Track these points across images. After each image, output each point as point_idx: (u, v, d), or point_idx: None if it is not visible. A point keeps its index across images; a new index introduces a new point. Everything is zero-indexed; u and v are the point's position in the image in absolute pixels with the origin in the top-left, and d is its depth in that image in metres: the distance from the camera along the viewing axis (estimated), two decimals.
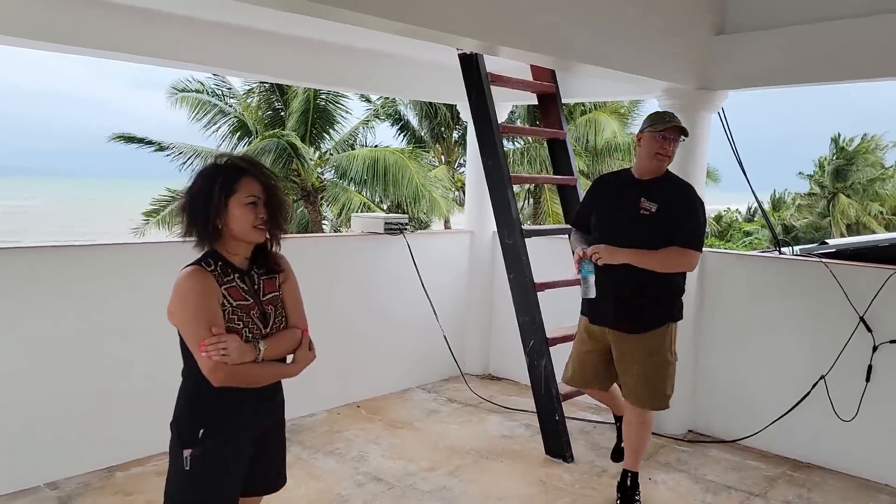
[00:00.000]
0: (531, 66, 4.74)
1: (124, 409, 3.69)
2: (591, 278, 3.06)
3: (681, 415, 4.34)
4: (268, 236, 2.03)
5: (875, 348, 3.60)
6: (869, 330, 3.62)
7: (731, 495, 3.54)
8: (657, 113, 3.18)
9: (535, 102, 4.96)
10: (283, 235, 2.08)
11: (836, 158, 24.81)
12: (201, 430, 1.93)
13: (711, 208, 22.45)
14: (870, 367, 3.62)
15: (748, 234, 23.40)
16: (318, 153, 15.82)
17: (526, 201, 17.33)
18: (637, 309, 3.14)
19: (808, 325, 3.92)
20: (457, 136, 17.33)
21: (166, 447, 2.04)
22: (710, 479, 3.72)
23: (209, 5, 3.66)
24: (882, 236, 13.33)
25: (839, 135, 25.10)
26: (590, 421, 4.58)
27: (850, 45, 3.63)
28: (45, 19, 3.39)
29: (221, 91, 15.11)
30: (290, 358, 2.08)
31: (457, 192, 17.11)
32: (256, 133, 14.97)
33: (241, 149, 15.12)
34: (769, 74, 4.02)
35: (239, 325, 1.93)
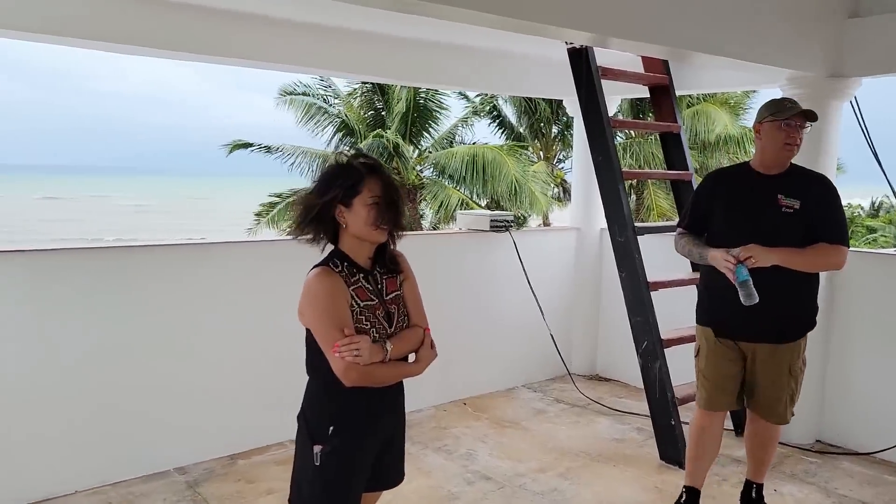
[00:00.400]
0: (642, 57, 4.59)
1: (247, 400, 3.87)
2: (751, 282, 2.69)
3: (808, 424, 4.08)
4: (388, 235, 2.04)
5: None
6: None
7: None
8: (776, 100, 2.90)
9: (647, 95, 4.80)
10: (401, 234, 2.08)
11: None
12: (331, 427, 1.97)
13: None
14: None
15: (872, 230, 21.71)
16: (417, 151, 16.04)
17: (628, 197, 16.83)
18: (787, 317, 2.87)
19: None
20: (556, 131, 17.09)
21: (285, 437, 2.13)
22: (842, 493, 3.47)
23: (313, 8, 3.74)
24: None
25: None
26: None
27: None
28: (158, 28, 3.57)
29: (326, 93, 15.60)
30: (411, 357, 2.10)
31: (556, 189, 16.88)
32: (359, 133, 15.34)
33: (345, 148, 15.58)
34: None
35: (366, 325, 1.96)
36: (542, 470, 3.75)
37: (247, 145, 15.26)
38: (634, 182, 15.37)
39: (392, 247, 2.11)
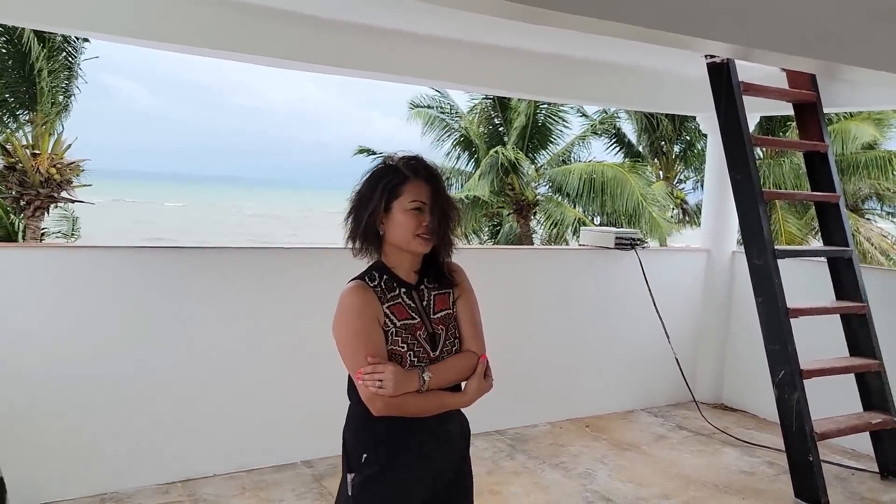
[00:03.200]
0: (787, 72, 4.38)
1: None
2: None
3: None
4: (434, 246, 1.80)
5: None
6: None
7: None
8: None
9: (791, 112, 4.57)
10: (453, 247, 1.85)
11: None
12: (364, 456, 1.76)
13: None
14: None
15: None
16: (534, 167, 16.04)
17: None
18: None
19: None
20: (678, 150, 16.56)
21: None
22: None
23: (441, 20, 3.81)
24: None
25: None
26: (847, 467, 4.09)
27: None
28: (294, 41, 3.74)
29: (447, 107, 15.95)
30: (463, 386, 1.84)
31: (676, 210, 16.32)
32: (478, 147, 15.55)
33: (464, 164, 15.84)
34: None
35: (403, 347, 1.73)
36: (666, 496, 3.62)
37: (371, 152, 15.83)
38: (773, 203, 14.59)
39: (445, 258, 1.86)
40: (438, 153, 15.73)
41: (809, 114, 4.40)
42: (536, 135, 15.70)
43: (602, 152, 17.34)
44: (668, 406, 5.11)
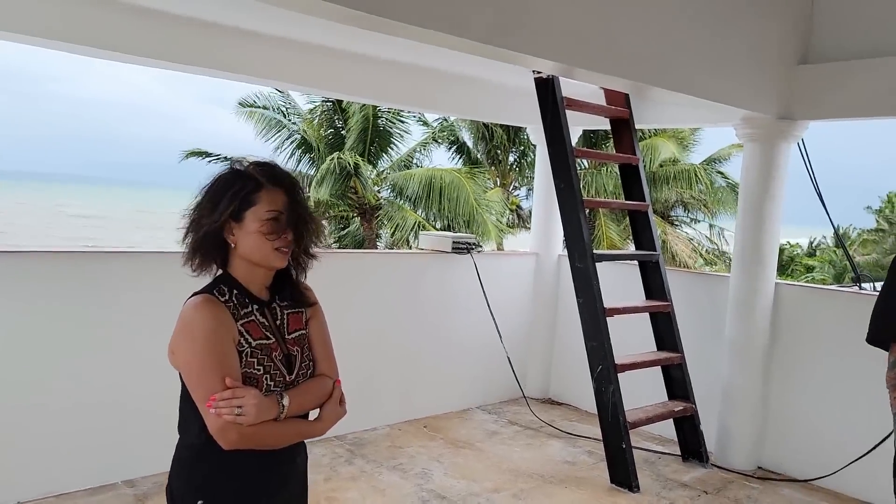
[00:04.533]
0: (605, 91, 4.76)
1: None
2: None
3: (750, 451, 4.25)
4: (291, 261, 1.66)
5: None
6: None
7: None
8: None
9: (608, 127, 4.97)
10: (311, 262, 1.70)
11: None
12: (199, 502, 1.56)
13: None
14: None
15: (810, 269, 22.75)
16: (375, 172, 16.09)
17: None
18: None
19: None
20: (513, 158, 17.38)
21: None
22: None
23: (275, 20, 3.75)
24: None
25: None
26: (655, 451, 4.50)
27: None
28: (126, 34, 3.52)
29: (286, 108, 15.56)
30: (314, 413, 1.69)
31: (510, 215, 17.11)
32: (318, 150, 15.33)
33: (305, 167, 15.50)
34: (853, 106, 3.95)
35: (259, 370, 1.56)
36: (497, 490, 3.79)
37: (204, 154, 15.04)
38: (588, 212, 15.70)
39: (299, 276, 1.72)
40: (277, 155, 15.32)
41: (624, 129, 4.81)
42: (378, 139, 15.77)
43: (446, 161, 17.76)
44: (502, 403, 5.35)
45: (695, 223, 17.36)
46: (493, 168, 17.50)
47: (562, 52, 3.16)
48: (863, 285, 4.39)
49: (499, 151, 17.19)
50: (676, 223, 16.89)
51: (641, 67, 3.48)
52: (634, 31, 3.40)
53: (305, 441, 1.70)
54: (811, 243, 26.73)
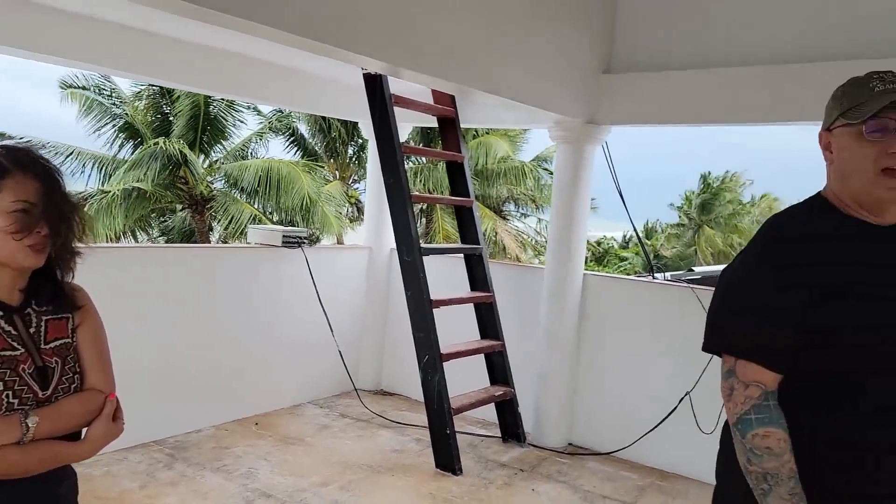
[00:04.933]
0: (433, 90, 4.92)
1: None
2: None
3: (561, 429, 4.61)
4: (50, 260, 1.48)
5: None
6: None
7: None
8: (857, 80, 1.45)
9: (436, 125, 5.13)
10: (75, 259, 1.51)
11: (703, 193, 27.27)
12: None
13: (590, 234, 23.68)
14: None
15: (623, 259, 24.97)
16: (207, 161, 15.37)
17: (419, 220, 17.57)
18: None
19: (677, 345, 4.28)
20: (352, 152, 17.34)
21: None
22: (587, 490, 3.96)
23: (100, 3, 3.55)
24: None
25: (709, 172, 27.68)
26: (478, 435, 4.75)
27: (723, 91, 4.04)
28: None
29: (109, 91, 14.40)
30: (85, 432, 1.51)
31: (350, 209, 17.08)
32: (143, 136, 14.36)
33: (128, 153, 14.45)
34: (648, 114, 4.40)
35: None
36: (325, 483, 3.81)
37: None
38: (425, 206, 16.06)
39: (65, 276, 1.53)
40: (99, 139, 14.16)
41: (450, 128, 5.00)
42: (210, 127, 15.07)
43: (282, 152, 17.32)
44: (334, 396, 5.36)
45: (524, 217, 18.36)
46: (331, 161, 17.36)
47: (386, 51, 3.23)
48: (655, 275, 4.91)
49: (338, 144, 17.08)
50: (508, 217, 17.76)
51: (464, 71, 3.65)
52: (458, 36, 3.56)
53: (77, 463, 1.51)
54: (624, 237, 29.27)
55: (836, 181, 1.46)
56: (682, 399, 4.16)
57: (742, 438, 1.39)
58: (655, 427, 4.26)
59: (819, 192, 1.51)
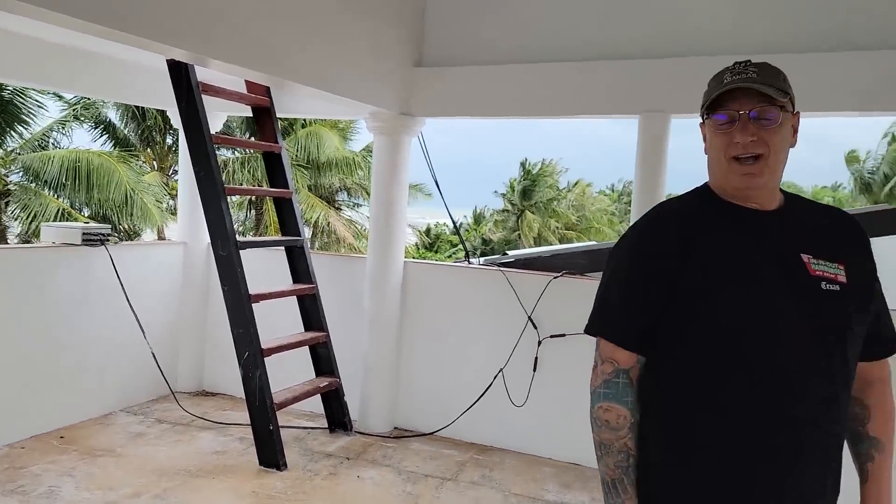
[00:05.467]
0: (246, 80, 4.77)
1: None
2: None
3: (386, 414, 4.71)
4: None
5: (540, 342, 4.30)
6: (535, 327, 4.32)
7: (428, 482, 3.95)
8: (717, 73, 1.48)
9: (251, 115, 4.99)
10: None
11: (524, 180, 28.90)
12: None
13: (423, 221, 24.20)
14: (536, 358, 4.31)
15: (454, 245, 25.83)
16: (2, 151, 13.79)
17: (248, 212, 16.95)
18: None
19: (491, 325, 4.52)
20: (171, 140, 16.34)
21: None
22: (410, 470, 4.09)
23: None
24: (550, 248, 15.71)
25: (526, 159, 29.36)
26: (304, 428, 4.72)
27: (532, 85, 4.30)
28: None
29: None
30: None
31: (171, 201, 16.12)
32: None
33: None
34: (459, 106, 4.59)
35: None
36: (137, 495, 3.61)
37: None
38: (254, 198, 15.54)
39: None
40: None
41: (266, 117, 4.87)
42: (3, 114, 13.52)
43: (90, 141, 15.90)
44: (149, 402, 5.07)
45: (357, 207, 18.36)
46: (148, 150, 16.25)
47: (189, 40, 3.10)
48: (471, 260, 5.15)
49: (154, 133, 16.01)
50: (341, 207, 17.66)
51: (274, 61, 3.59)
52: (269, 26, 3.49)
53: None
54: (455, 222, 30.30)
55: (708, 171, 1.52)
56: (497, 376, 4.41)
57: (591, 409, 1.48)
58: (473, 404, 4.48)
59: (706, 182, 1.54)
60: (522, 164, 29.64)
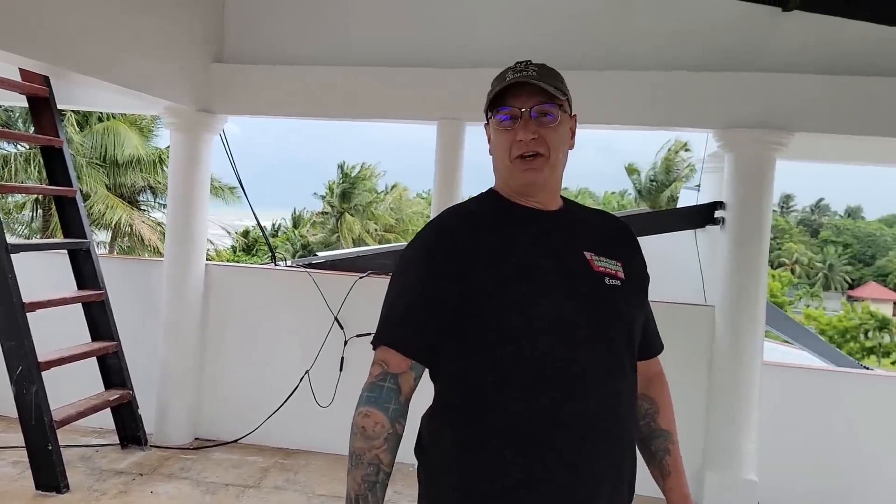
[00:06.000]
0: (20, 68, 4.31)
1: None
2: None
3: (186, 425, 4.49)
4: None
5: (346, 342, 4.34)
6: (342, 327, 4.35)
7: (229, 491, 3.82)
8: (500, 73, 1.48)
9: (26, 105, 4.51)
10: None
11: (343, 182, 28.91)
12: None
13: (240, 223, 23.28)
14: (342, 358, 4.34)
15: (274, 247, 25.20)
16: None
17: (34, 212, 15.23)
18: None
19: (298, 327, 4.48)
20: None
21: None
22: (210, 481, 3.93)
23: None
24: (357, 249, 15.87)
25: (345, 162, 29.42)
26: (92, 445, 4.36)
27: (336, 87, 4.31)
28: None
29: None
30: None
31: None
32: None
33: None
34: (263, 105, 4.50)
35: None
36: None
37: None
38: (42, 198, 14.03)
39: None
40: None
41: (44, 109, 4.43)
42: None
43: None
44: None
45: (163, 208, 17.22)
46: None
47: None
48: (278, 262, 5.06)
49: None
50: (145, 208, 16.45)
51: (51, 49, 3.29)
52: (48, 12, 3.18)
53: None
54: (273, 225, 29.58)
55: (494, 171, 1.49)
56: (303, 378, 4.38)
57: (354, 414, 1.36)
58: (278, 409, 4.41)
59: (491, 187, 1.52)
60: (341, 167, 29.61)
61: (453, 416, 1.38)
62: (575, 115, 1.49)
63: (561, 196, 1.51)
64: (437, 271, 1.37)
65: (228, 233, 22.15)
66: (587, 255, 1.42)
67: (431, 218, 1.51)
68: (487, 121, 1.47)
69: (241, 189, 4.75)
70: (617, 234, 1.53)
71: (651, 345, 1.56)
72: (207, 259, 4.77)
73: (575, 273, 1.38)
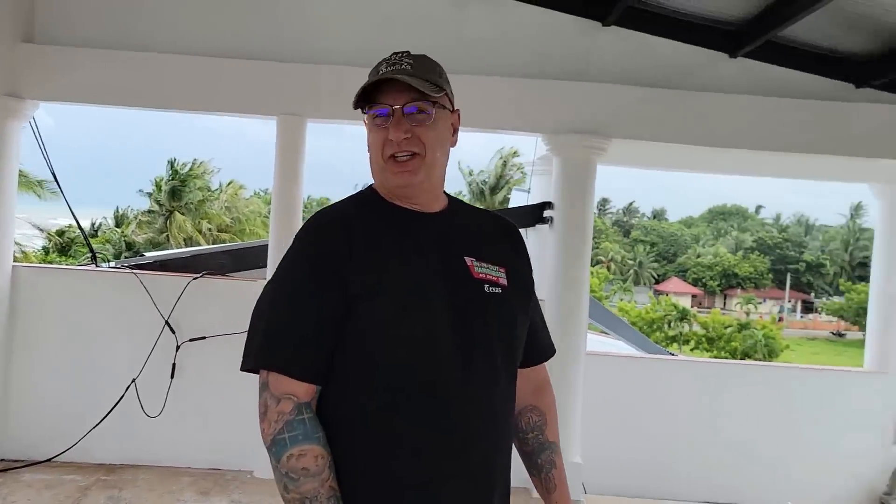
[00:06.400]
0: None
1: None
2: None
3: None
4: None
5: (178, 347, 4.10)
6: (173, 331, 4.10)
7: None
8: (376, 65, 1.37)
9: None
10: None
11: (172, 179, 27.16)
12: None
13: (54, 222, 21.14)
14: (174, 365, 4.10)
15: (92, 250, 23.03)
16: None
17: None
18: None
19: (124, 333, 4.17)
20: None
21: None
22: None
23: None
24: (191, 249, 15.07)
25: (175, 158, 27.61)
26: None
27: (155, 76, 4.06)
28: None
29: None
30: None
31: None
32: None
33: None
34: (80, 91, 4.15)
35: None
36: None
37: None
38: None
39: None
40: None
41: None
42: None
43: None
44: None
45: None
46: None
47: None
48: (100, 264, 4.66)
49: None
50: None
51: None
52: None
53: None
54: (93, 224, 27.20)
55: (371, 171, 1.37)
56: (129, 387, 4.07)
57: (277, 463, 1.20)
58: (100, 422, 4.06)
59: (371, 184, 1.40)
60: (171, 163, 27.78)
61: (344, 440, 1.26)
62: (457, 111, 1.40)
63: (446, 194, 1.44)
64: (320, 283, 1.26)
65: (42, 231, 19.97)
66: (468, 260, 1.34)
67: (302, 226, 1.36)
68: (365, 115, 1.35)
69: (55, 183, 4.32)
70: (503, 236, 1.47)
71: (539, 349, 1.50)
72: (14, 261, 4.31)
73: (454, 280, 1.31)
